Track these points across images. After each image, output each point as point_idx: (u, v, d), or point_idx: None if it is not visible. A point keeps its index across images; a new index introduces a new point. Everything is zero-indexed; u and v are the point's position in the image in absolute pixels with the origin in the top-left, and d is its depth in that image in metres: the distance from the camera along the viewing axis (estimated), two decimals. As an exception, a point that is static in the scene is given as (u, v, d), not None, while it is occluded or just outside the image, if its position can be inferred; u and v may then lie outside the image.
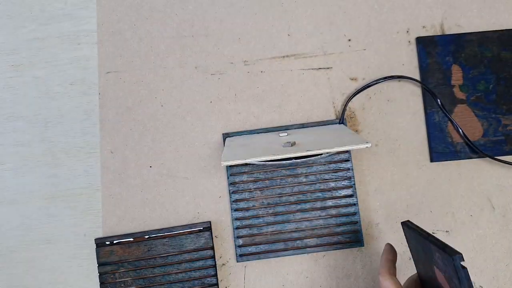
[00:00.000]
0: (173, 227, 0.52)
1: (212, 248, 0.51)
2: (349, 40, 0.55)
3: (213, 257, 0.51)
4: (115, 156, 0.54)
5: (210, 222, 0.52)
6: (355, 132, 0.47)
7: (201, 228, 0.51)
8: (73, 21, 0.57)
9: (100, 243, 0.51)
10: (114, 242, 0.51)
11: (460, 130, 0.52)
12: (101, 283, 0.50)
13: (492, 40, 0.54)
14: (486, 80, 0.54)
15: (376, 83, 0.54)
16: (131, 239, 0.51)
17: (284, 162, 0.45)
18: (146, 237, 0.51)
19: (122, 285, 0.50)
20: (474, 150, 0.53)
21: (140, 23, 0.56)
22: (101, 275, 0.50)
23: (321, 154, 0.44)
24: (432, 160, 0.53)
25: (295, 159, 0.44)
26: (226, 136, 0.53)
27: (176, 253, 0.51)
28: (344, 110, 0.54)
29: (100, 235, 0.53)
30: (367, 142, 0.41)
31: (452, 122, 0.53)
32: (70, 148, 0.55)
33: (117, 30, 0.56)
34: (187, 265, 0.50)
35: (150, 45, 0.56)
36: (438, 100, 0.53)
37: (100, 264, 0.50)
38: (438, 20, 0.55)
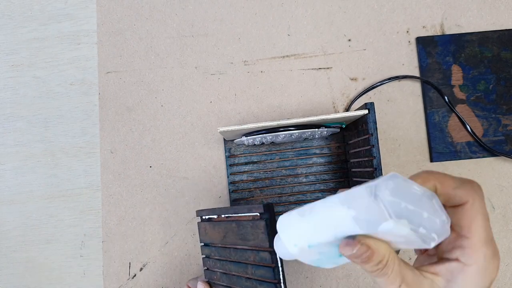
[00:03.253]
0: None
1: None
2: (349, 40, 0.55)
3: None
4: (115, 156, 0.54)
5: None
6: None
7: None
8: (73, 21, 0.57)
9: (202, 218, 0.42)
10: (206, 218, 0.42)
11: (468, 127, 0.52)
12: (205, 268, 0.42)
13: (492, 40, 0.54)
14: (486, 80, 0.54)
15: (381, 84, 0.54)
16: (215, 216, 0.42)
17: (280, 134, 0.43)
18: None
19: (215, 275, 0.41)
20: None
21: (140, 23, 0.56)
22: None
23: (319, 127, 0.44)
24: (432, 160, 0.53)
25: (292, 130, 0.43)
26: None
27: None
28: (347, 111, 0.54)
29: (100, 235, 0.53)
30: (364, 111, 0.41)
31: (460, 118, 0.53)
32: (70, 148, 0.55)
33: (117, 30, 0.56)
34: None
35: (150, 45, 0.56)
36: (446, 98, 0.53)
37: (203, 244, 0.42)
38: (438, 20, 0.55)
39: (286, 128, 0.43)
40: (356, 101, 0.54)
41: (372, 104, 0.41)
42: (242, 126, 0.41)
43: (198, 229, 0.43)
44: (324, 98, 0.54)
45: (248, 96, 0.55)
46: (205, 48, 0.56)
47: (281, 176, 0.52)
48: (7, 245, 0.54)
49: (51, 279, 0.53)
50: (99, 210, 0.54)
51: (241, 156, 0.52)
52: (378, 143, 0.40)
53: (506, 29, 0.54)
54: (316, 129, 0.44)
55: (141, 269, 0.52)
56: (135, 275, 0.52)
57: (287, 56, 0.55)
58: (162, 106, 0.55)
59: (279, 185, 0.52)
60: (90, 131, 0.55)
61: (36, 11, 0.57)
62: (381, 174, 0.40)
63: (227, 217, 0.39)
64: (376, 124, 0.41)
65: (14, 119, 0.56)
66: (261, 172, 0.52)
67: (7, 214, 0.54)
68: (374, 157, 0.40)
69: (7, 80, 0.56)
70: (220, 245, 0.40)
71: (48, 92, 0.56)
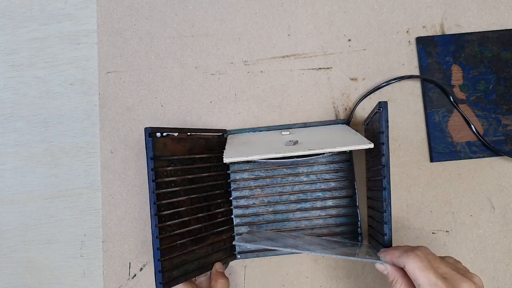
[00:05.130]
0: None
1: None
2: (349, 40, 0.55)
3: None
4: (115, 156, 0.54)
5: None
6: (357, 132, 0.47)
7: None
8: (73, 21, 0.57)
9: (152, 133, 0.43)
10: (164, 134, 0.44)
11: (472, 126, 0.52)
12: (154, 180, 0.43)
13: (492, 40, 0.54)
14: (486, 80, 0.54)
15: (388, 84, 0.54)
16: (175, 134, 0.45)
17: (285, 160, 0.44)
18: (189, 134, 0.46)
19: (173, 184, 0.44)
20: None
21: (140, 23, 0.56)
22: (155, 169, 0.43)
23: (323, 153, 0.44)
24: (432, 160, 0.53)
25: (297, 158, 0.43)
26: (225, 133, 0.53)
27: None
28: (353, 110, 0.53)
29: (100, 235, 0.53)
30: (370, 143, 0.41)
31: (464, 117, 0.52)
32: (70, 148, 0.55)
33: (117, 30, 0.56)
34: None
35: (150, 45, 0.56)
36: (451, 97, 0.53)
37: (154, 158, 0.43)
38: (438, 20, 0.55)
39: (291, 157, 0.42)
40: (360, 103, 0.54)
41: (385, 103, 0.41)
42: (248, 157, 0.41)
43: (153, 144, 0.42)
44: (324, 98, 0.54)
45: (248, 96, 0.55)
46: (205, 48, 0.56)
47: (282, 174, 0.52)
48: (7, 245, 0.54)
49: (51, 279, 0.53)
50: (99, 210, 0.54)
51: (241, 156, 0.52)
52: (388, 141, 0.41)
53: (506, 29, 0.54)
54: (320, 155, 0.44)
55: (141, 269, 0.52)
56: (135, 275, 0.52)
57: (287, 56, 0.55)
58: (162, 106, 0.55)
59: (280, 183, 0.52)
60: (90, 131, 0.55)
61: (36, 11, 0.57)
62: (388, 172, 0.41)
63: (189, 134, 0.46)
64: (388, 122, 0.41)
65: (14, 119, 0.56)
66: (262, 171, 0.52)
67: (7, 214, 0.54)
68: (383, 154, 0.41)
69: (7, 80, 0.56)
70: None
71: (48, 92, 0.56)
